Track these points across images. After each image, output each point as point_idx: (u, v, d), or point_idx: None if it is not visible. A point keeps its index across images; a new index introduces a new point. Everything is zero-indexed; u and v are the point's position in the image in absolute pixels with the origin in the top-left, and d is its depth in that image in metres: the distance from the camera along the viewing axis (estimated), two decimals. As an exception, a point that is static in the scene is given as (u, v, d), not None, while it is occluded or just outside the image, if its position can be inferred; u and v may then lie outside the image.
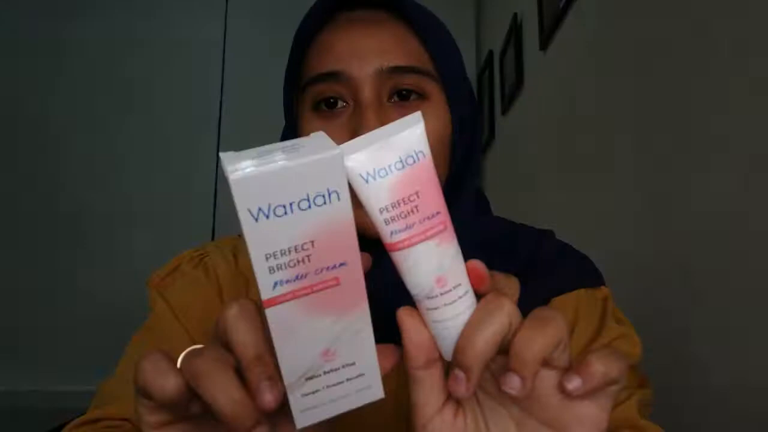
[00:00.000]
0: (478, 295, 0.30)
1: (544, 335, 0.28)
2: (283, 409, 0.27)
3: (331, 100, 0.48)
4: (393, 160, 0.28)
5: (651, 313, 0.83)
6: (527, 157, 1.70)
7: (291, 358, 0.27)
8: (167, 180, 2.30)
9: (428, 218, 0.28)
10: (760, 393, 0.62)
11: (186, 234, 2.15)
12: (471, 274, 0.30)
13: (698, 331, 0.74)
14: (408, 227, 0.28)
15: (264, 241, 0.25)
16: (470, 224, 0.52)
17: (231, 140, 2.34)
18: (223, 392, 0.26)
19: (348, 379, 0.29)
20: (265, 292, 0.26)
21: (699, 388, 0.73)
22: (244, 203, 0.25)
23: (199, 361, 0.27)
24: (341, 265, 0.27)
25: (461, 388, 0.28)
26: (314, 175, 0.25)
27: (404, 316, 0.29)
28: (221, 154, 0.26)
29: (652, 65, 0.90)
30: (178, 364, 0.28)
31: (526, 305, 0.30)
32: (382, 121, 0.46)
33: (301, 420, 0.28)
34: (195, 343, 0.52)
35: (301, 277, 0.26)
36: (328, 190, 0.26)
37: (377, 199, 0.28)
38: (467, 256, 0.30)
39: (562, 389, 0.29)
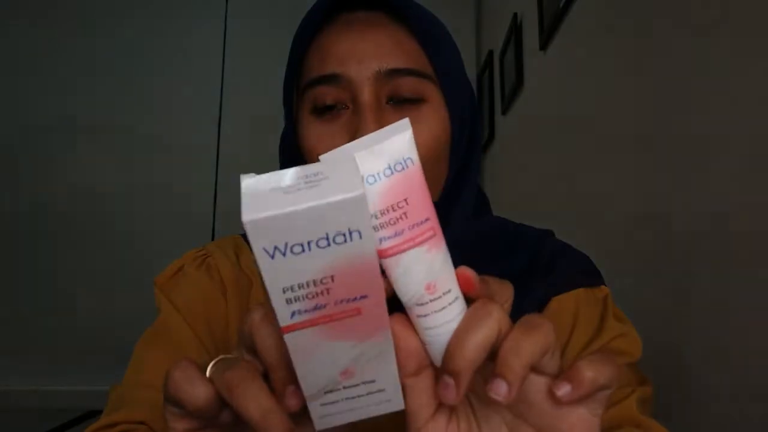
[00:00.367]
0: (470, 301, 0.30)
1: (532, 342, 0.28)
2: (306, 411, 0.28)
3: (330, 103, 0.48)
4: (381, 167, 0.28)
5: (651, 313, 0.83)
6: (527, 157, 1.70)
7: (310, 376, 0.27)
8: (167, 180, 2.30)
9: (417, 224, 0.28)
10: (761, 393, 0.62)
11: (186, 234, 2.16)
12: (460, 280, 0.30)
13: (698, 331, 0.74)
14: (397, 234, 0.28)
15: (280, 276, 0.24)
16: (470, 224, 0.52)
17: (231, 140, 2.34)
18: (253, 401, 0.27)
19: (368, 393, 0.29)
20: (283, 320, 0.25)
21: (699, 388, 0.73)
22: (259, 242, 0.23)
23: (229, 374, 0.28)
24: (362, 297, 0.26)
25: (450, 395, 0.28)
26: (334, 216, 0.23)
27: (394, 323, 0.29)
28: (242, 182, 0.25)
29: (652, 65, 0.90)
30: (207, 373, 0.30)
31: (526, 305, 0.31)
32: (381, 124, 0.46)
33: (321, 424, 0.29)
34: (203, 345, 0.52)
35: (321, 307, 0.25)
36: (349, 230, 0.24)
37: None
38: (467, 255, 0.30)
39: (551, 396, 0.29)
